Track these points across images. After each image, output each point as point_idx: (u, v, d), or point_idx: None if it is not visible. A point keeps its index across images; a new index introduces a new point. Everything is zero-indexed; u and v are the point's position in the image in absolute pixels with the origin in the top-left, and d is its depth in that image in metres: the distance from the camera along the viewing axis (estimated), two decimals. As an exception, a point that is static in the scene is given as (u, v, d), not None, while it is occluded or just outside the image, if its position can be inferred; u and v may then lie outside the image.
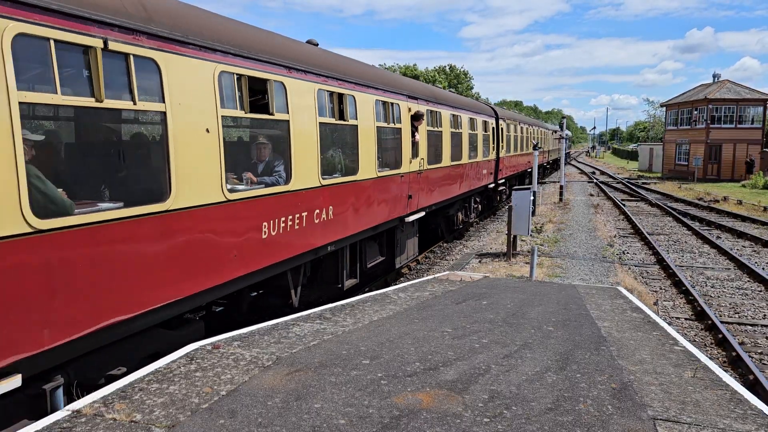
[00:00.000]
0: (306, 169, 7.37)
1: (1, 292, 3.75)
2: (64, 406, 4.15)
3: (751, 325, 9.99)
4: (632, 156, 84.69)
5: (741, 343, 8.92)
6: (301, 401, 4.07)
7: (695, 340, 9.23)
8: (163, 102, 5.03)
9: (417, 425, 3.75)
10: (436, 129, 13.20)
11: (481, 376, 4.65)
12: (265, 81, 6.47)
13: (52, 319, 4.08)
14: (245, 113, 6.24)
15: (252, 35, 6.62)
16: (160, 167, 5.10)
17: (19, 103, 3.83)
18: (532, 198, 14.22)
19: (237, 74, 5.99)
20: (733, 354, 8.36)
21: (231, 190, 5.90)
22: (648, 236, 17.83)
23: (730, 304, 11.19)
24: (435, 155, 13.12)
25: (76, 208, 4.27)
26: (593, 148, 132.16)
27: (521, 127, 28.07)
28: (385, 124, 10.18)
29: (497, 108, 23.54)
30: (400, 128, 10.80)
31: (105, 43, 4.43)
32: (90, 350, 4.50)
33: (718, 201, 28.63)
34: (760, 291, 12.08)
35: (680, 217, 22.60)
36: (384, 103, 10.12)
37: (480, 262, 13.53)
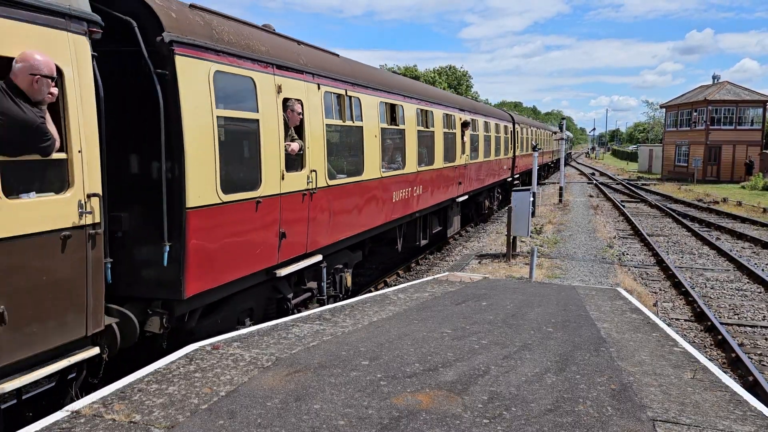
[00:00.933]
0: (411, 160, 11.52)
1: (319, 214, 7.72)
2: (326, 278, 8.22)
3: (751, 326, 9.99)
4: (632, 157, 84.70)
5: (740, 345, 8.92)
6: (300, 402, 4.07)
7: (695, 342, 9.23)
8: (362, 121, 9.24)
9: (416, 426, 3.75)
10: (474, 132, 17.26)
11: (480, 377, 4.64)
12: (395, 105, 10.67)
13: (328, 230, 8.04)
14: (387, 125, 10.35)
15: (390, 78, 11.55)
16: (360, 156, 9.23)
17: (326, 124, 7.96)
18: (531, 199, 14.23)
19: (385, 102, 10.24)
20: (733, 355, 8.36)
21: (382, 171, 10.06)
22: (647, 237, 17.84)
23: (729, 306, 11.19)
24: (473, 153, 17.18)
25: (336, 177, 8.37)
26: (593, 149, 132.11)
27: (531, 130, 32.86)
28: (447, 130, 14.16)
29: (513, 114, 28.34)
30: (455, 132, 14.96)
31: (346, 92, 8.60)
32: (330, 252, 8.32)
33: (717, 202, 28.65)
34: (760, 292, 12.08)
35: (680, 218, 22.62)
36: (447, 115, 14.22)
37: (480, 263, 13.53)
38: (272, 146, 6.54)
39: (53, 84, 4.04)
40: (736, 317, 10.53)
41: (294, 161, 7.10)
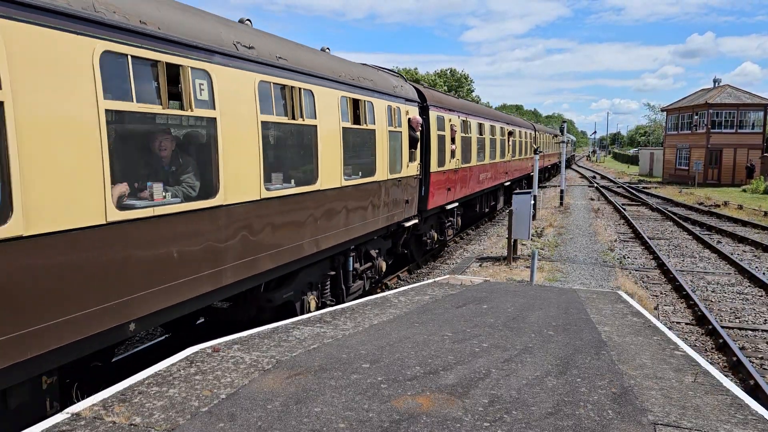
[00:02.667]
0: (487, 155, 19.14)
1: (457, 182, 15.42)
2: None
3: (752, 329, 9.97)
4: (633, 160, 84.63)
5: (741, 348, 8.90)
6: (301, 405, 4.07)
7: (696, 345, 9.21)
8: (470, 133, 16.95)
9: (417, 429, 3.74)
10: (514, 139, 25.17)
11: (481, 380, 4.64)
12: (482, 124, 18.23)
13: (458, 191, 15.71)
14: (479, 135, 17.99)
15: (481, 108, 21.15)
16: (470, 152, 16.89)
17: (461, 136, 15.91)
18: (532, 202, 14.23)
19: (479, 123, 18.15)
20: (734, 359, 8.34)
21: (477, 161, 17.84)
22: (648, 241, 17.81)
23: (730, 309, 11.17)
24: (512, 152, 25.06)
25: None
26: (594, 152, 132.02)
27: (546, 135, 42.36)
28: (501, 137, 22.15)
29: (535, 124, 38.79)
30: (505, 139, 22.98)
31: (467, 118, 16.56)
32: (457, 204, 15.97)
33: (718, 206, 28.61)
34: (761, 296, 12.06)
35: (681, 221, 22.58)
36: (501, 127, 22.21)
37: (480, 266, 13.52)
38: (447, 147, 14.01)
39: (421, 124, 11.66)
40: (737, 321, 10.51)
41: (451, 154, 14.34)
